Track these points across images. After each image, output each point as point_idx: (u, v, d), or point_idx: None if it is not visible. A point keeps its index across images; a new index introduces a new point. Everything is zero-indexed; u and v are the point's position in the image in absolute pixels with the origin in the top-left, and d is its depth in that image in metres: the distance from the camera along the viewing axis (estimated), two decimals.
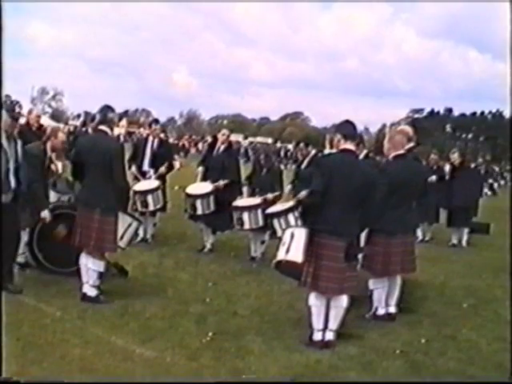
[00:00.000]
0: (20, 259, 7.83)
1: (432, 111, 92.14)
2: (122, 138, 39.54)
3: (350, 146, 6.22)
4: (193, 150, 52.30)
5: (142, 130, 47.35)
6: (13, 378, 4.40)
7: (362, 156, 7.25)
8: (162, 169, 10.54)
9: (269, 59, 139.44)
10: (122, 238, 7.28)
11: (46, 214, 7.54)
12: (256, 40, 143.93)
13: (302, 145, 10.49)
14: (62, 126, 45.09)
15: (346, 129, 6.35)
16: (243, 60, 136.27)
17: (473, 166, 15.75)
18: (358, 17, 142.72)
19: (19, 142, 7.19)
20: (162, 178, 10.48)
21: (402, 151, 7.23)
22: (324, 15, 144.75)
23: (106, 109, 7.30)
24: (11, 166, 6.98)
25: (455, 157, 14.22)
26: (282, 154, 51.82)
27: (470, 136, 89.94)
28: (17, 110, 6.85)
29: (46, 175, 7.87)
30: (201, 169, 10.61)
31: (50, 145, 7.80)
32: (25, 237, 7.79)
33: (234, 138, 47.85)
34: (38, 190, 7.53)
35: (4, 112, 6.93)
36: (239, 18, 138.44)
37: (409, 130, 7.96)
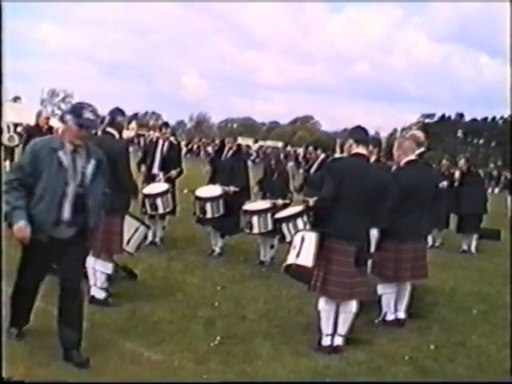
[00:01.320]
0: None
1: (443, 116, 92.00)
2: (135, 141, 39.66)
3: (361, 150, 6.21)
4: (202, 154, 52.40)
5: (151, 132, 47.39)
6: (13, 378, 4.37)
7: (371, 160, 7.20)
8: (173, 172, 10.54)
9: (279, 63, 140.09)
10: (128, 242, 7.27)
11: None
12: (266, 43, 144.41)
13: (310, 148, 10.45)
14: None
15: (359, 134, 6.35)
16: (253, 63, 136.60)
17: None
18: (369, 20, 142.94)
19: (92, 161, 5.28)
20: (171, 181, 10.47)
21: (412, 157, 7.20)
22: (334, 18, 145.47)
23: (116, 111, 7.30)
24: (70, 190, 5.12)
25: (462, 163, 14.21)
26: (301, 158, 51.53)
27: (481, 141, 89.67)
28: (87, 115, 5.63)
29: None
30: (208, 168, 10.62)
31: None
32: None
33: (243, 141, 48.02)
34: None
35: (70, 117, 5.14)
36: (249, 20, 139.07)
37: (419, 135, 7.93)
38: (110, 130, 7.18)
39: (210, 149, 50.15)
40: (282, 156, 14.78)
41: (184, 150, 52.73)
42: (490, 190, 37.39)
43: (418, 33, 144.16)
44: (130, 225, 7.29)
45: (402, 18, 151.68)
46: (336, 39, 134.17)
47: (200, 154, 52.42)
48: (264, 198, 10.12)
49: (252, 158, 48.02)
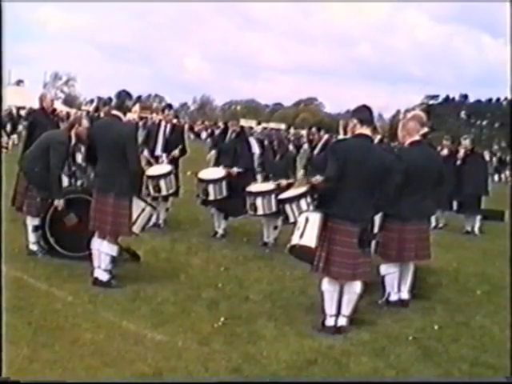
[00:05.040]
0: (32, 247, 7.86)
1: (447, 97, 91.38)
2: (140, 125, 39.75)
3: (365, 130, 6.15)
4: (204, 135, 52.30)
5: (154, 115, 47.29)
6: (10, 378, 4.35)
7: (376, 141, 7.19)
8: (176, 152, 10.51)
9: (281, 44, 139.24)
10: (134, 223, 7.26)
11: (60, 202, 7.62)
12: (268, 25, 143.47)
13: (314, 129, 10.42)
14: (73, 111, 45.15)
15: (363, 113, 6.27)
16: (255, 45, 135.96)
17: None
18: (370, 1, 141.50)
19: None
20: (174, 162, 10.45)
21: (417, 137, 7.19)
22: None
23: (124, 95, 7.25)
24: None
25: (466, 143, 14.14)
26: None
27: (484, 123, 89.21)
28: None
29: (71, 162, 7.98)
30: (213, 152, 10.59)
31: (74, 132, 7.78)
32: (35, 222, 7.82)
33: (246, 123, 47.85)
34: (58, 178, 7.66)
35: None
36: (251, 2, 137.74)
37: (422, 115, 7.91)
38: (116, 112, 7.15)
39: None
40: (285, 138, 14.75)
41: (205, 135, 52.92)
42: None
43: (419, 13, 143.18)
44: (136, 206, 7.27)
45: None
46: (338, 20, 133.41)
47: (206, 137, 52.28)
48: (266, 179, 10.10)
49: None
